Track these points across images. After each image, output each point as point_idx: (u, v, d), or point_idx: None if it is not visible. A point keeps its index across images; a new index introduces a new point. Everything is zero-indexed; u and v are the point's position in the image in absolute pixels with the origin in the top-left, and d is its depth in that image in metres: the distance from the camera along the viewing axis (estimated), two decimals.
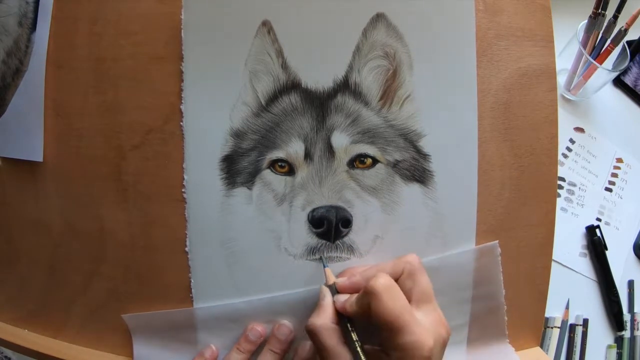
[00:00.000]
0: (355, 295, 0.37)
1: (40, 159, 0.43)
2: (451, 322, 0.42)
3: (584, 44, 0.68)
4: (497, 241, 0.42)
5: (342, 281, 0.38)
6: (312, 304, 0.40)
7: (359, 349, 0.35)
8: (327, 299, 0.38)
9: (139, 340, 0.44)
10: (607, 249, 0.69)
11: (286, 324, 0.41)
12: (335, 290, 0.38)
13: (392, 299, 0.33)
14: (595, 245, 0.70)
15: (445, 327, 0.36)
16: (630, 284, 0.71)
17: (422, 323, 0.34)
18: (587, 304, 0.69)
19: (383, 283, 0.34)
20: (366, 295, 0.34)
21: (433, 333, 0.34)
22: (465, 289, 0.42)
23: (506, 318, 0.44)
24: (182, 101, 0.40)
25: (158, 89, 0.40)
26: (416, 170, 0.41)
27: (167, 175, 0.41)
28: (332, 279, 0.39)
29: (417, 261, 0.38)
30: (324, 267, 0.40)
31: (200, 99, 0.40)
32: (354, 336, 0.36)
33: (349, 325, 0.36)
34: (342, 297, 0.37)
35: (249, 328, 0.42)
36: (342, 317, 0.37)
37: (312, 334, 0.36)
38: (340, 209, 0.40)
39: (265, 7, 0.39)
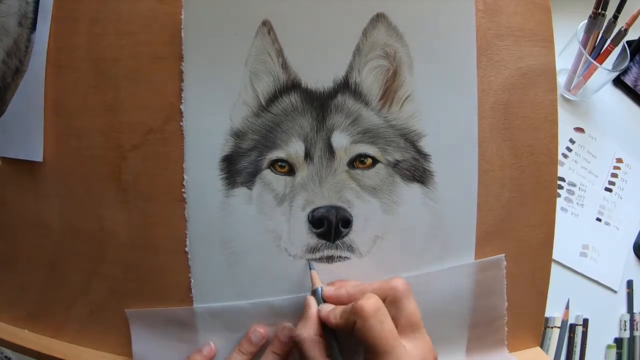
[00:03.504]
0: (340, 308, 0.36)
1: (40, 159, 0.43)
2: (450, 332, 0.43)
3: (584, 44, 0.68)
4: (503, 255, 0.42)
5: (328, 290, 0.39)
6: (316, 306, 0.40)
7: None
8: (312, 309, 0.38)
9: (138, 337, 0.43)
10: None
11: (290, 326, 0.41)
12: (320, 296, 0.39)
13: (379, 322, 0.33)
14: None
15: (432, 355, 0.35)
16: (630, 283, 0.71)
17: (408, 350, 0.34)
18: (587, 304, 0.69)
19: (372, 305, 0.34)
20: (353, 313, 0.34)
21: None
22: (467, 300, 0.42)
23: (506, 329, 0.44)
24: (182, 101, 0.40)
25: (158, 89, 0.40)
26: (416, 170, 0.41)
27: (167, 175, 0.41)
28: (317, 283, 0.39)
29: (402, 287, 0.36)
30: (310, 269, 0.40)
31: (200, 99, 0.40)
32: (337, 351, 0.36)
33: (334, 340, 0.36)
34: (327, 307, 0.37)
35: (252, 329, 0.42)
36: (327, 330, 0.37)
37: (297, 344, 0.37)
38: (340, 209, 0.40)
39: (265, 7, 0.39)
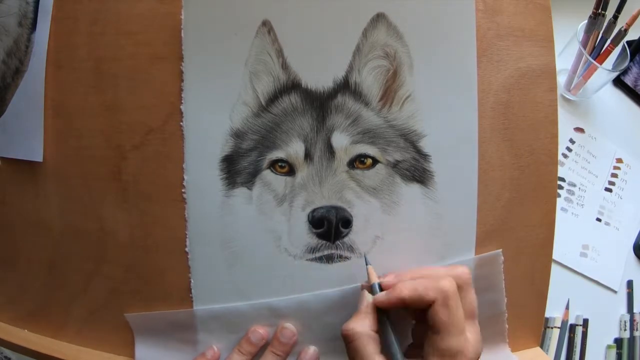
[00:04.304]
0: (408, 283, 0.36)
1: (40, 159, 0.43)
2: None
3: (584, 44, 0.68)
4: (500, 250, 0.42)
5: (388, 279, 0.38)
6: (316, 308, 0.40)
7: (399, 356, 0.35)
8: (369, 304, 0.37)
9: (141, 340, 0.44)
10: None
11: (290, 327, 0.41)
12: (377, 293, 0.38)
13: (457, 306, 0.34)
14: None
15: (481, 346, 0.36)
16: (630, 284, 0.71)
17: (469, 336, 0.35)
18: (587, 304, 0.69)
19: (453, 287, 0.35)
20: (436, 291, 0.35)
21: (475, 348, 0.35)
22: None
23: (507, 325, 0.44)
24: (182, 101, 0.40)
25: (158, 89, 0.40)
26: (416, 170, 0.41)
27: (167, 175, 0.41)
28: (374, 278, 0.38)
29: (466, 276, 0.37)
30: (367, 265, 0.39)
31: (200, 99, 0.40)
32: (396, 345, 0.36)
33: (392, 333, 0.36)
34: (383, 295, 0.37)
35: (251, 330, 0.42)
36: (384, 324, 0.37)
37: (350, 339, 0.36)
38: (340, 209, 0.40)
39: (265, 7, 0.39)
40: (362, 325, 0.36)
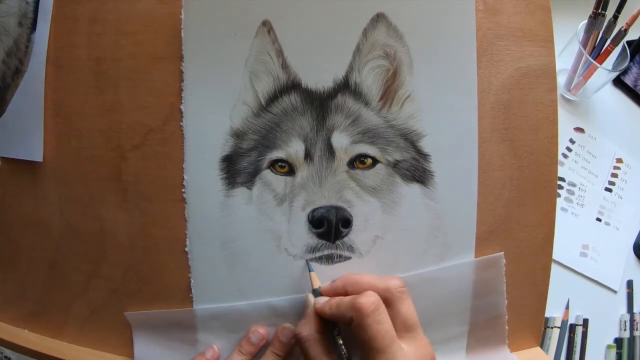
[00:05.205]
0: (336, 299, 0.37)
1: (40, 159, 0.43)
2: (451, 331, 0.43)
3: (584, 44, 0.68)
4: (502, 252, 0.42)
5: (324, 285, 0.39)
6: None
7: (344, 356, 0.36)
8: (312, 307, 0.38)
9: (140, 339, 0.44)
10: None
11: (290, 327, 0.41)
12: (319, 295, 0.39)
13: (376, 322, 0.33)
14: None
15: (430, 355, 0.35)
16: (630, 284, 0.71)
17: (405, 351, 0.34)
18: (587, 304, 0.69)
19: (371, 304, 0.34)
20: (352, 310, 0.34)
21: None
22: (466, 298, 0.42)
23: (507, 327, 0.44)
24: (182, 101, 0.40)
25: (158, 89, 0.40)
26: (416, 170, 0.41)
27: (167, 175, 0.41)
28: (317, 283, 0.39)
29: (396, 290, 0.36)
30: (309, 271, 0.40)
31: (200, 99, 0.40)
32: (340, 341, 0.36)
33: (337, 336, 0.37)
34: (322, 299, 0.38)
35: (252, 330, 0.42)
36: (329, 327, 0.37)
37: (298, 342, 0.37)
38: (340, 209, 0.40)
39: (265, 7, 0.39)
40: (308, 329, 0.37)
